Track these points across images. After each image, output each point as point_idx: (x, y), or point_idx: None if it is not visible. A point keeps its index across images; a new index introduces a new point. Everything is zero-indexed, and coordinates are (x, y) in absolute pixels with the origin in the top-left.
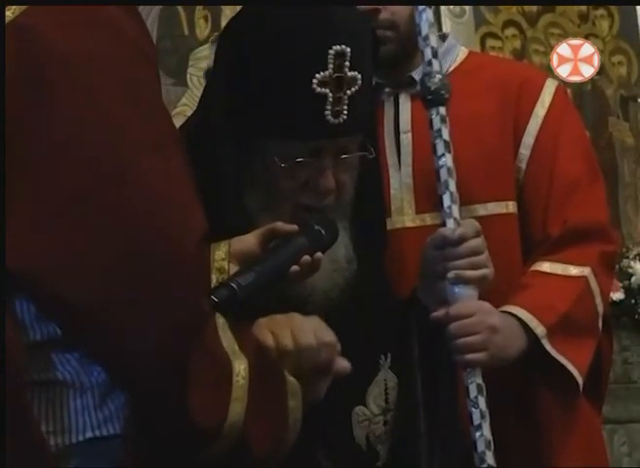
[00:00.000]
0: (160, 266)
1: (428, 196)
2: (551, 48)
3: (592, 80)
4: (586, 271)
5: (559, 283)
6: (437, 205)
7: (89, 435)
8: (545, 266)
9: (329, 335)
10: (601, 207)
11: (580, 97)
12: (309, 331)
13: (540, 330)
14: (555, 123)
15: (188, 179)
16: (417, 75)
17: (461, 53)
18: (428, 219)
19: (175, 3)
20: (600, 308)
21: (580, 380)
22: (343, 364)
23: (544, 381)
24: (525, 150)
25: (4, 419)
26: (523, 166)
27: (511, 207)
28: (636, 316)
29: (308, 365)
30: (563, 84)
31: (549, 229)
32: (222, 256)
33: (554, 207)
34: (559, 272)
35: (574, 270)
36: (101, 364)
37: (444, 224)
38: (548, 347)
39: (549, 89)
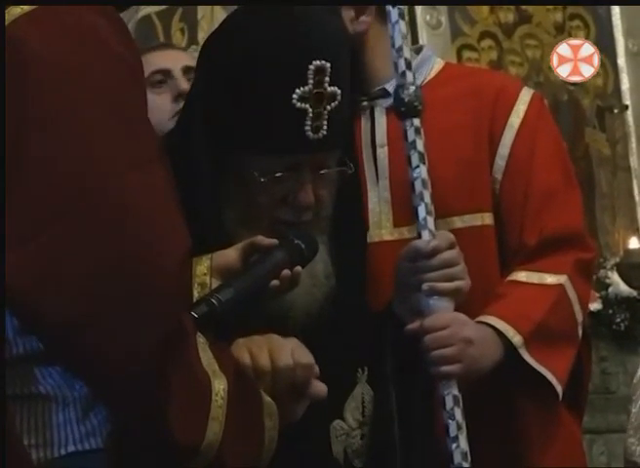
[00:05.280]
0: (141, 283)
1: (406, 209)
2: (527, 59)
3: (568, 90)
4: (563, 279)
5: (535, 292)
6: (412, 219)
7: (71, 449)
8: (522, 275)
9: (306, 357)
10: (577, 215)
11: (557, 107)
12: (287, 351)
13: (516, 339)
14: (530, 132)
15: (172, 195)
16: (390, 87)
17: (437, 64)
18: (406, 233)
19: (172, 3)
20: (579, 316)
21: (559, 389)
22: (320, 387)
23: (523, 391)
24: (501, 161)
25: (4, 421)
26: (499, 177)
27: (487, 218)
28: (614, 326)
29: (284, 385)
30: (545, 94)
31: (525, 239)
32: (204, 271)
33: (530, 216)
34: (535, 281)
35: (549, 278)
36: (81, 379)
37: (419, 236)
38: (526, 356)
39: (524, 98)
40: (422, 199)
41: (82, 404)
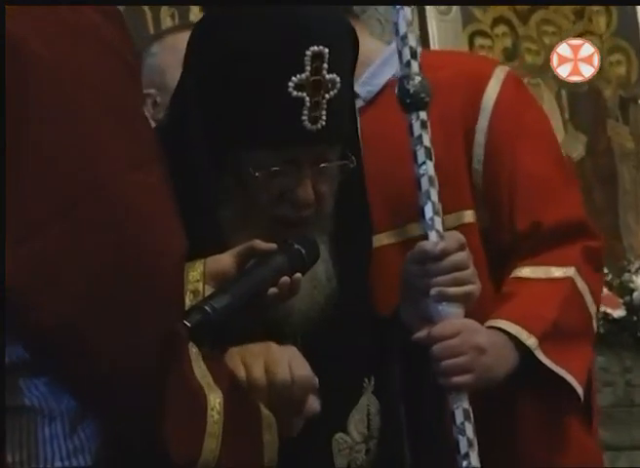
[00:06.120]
0: (138, 285)
1: (384, 214)
2: (544, 46)
3: (589, 80)
4: (571, 271)
5: (543, 287)
6: (393, 223)
7: (58, 465)
8: (526, 271)
9: (305, 370)
10: (574, 201)
11: (576, 98)
12: (284, 365)
13: (531, 341)
14: (507, 114)
15: (170, 196)
16: (358, 88)
17: None
18: (385, 239)
19: (174, 3)
20: (592, 308)
21: (580, 390)
22: (313, 404)
23: (538, 397)
24: (479, 149)
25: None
26: (479, 167)
27: (467, 217)
28: (638, 334)
29: (281, 401)
30: (564, 83)
31: (519, 230)
32: (197, 278)
33: (521, 206)
34: (541, 276)
35: (556, 272)
36: (72, 388)
37: (426, 237)
38: (542, 358)
39: (497, 78)
40: (429, 197)
41: (70, 417)
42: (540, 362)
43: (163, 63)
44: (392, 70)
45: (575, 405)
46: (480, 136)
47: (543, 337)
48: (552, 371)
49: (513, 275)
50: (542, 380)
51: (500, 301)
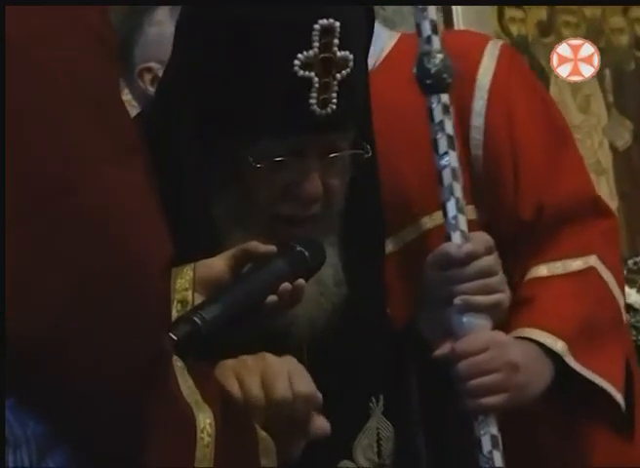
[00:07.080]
0: (121, 293)
1: None
2: (585, 19)
3: (636, 57)
4: (592, 260)
5: (564, 284)
6: (389, 229)
7: None
8: (542, 270)
9: (307, 385)
10: (582, 177)
11: (622, 78)
12: (284, 379)
13: (559, 346)
14: (504, 92)
15: (153, 194)
16: None
17: (390, 40)
18: None
19: (174, 3)
20: (621, 299)
21: (618, 397)
22: (322, 424)
23: (569, 406)
24: (477, 134)
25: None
26: (479, 152)
27: (467, 213)
28: None
29: (281, 420)
30: (608, 61)
31: (523, 219)
32: (186, 286)
33: (526, 194)
34: (559, 272)
35: (575, 263)
36: (43, 409)
37: (449, 238)
38: (573, 364)
39: (490, 54)
40: (452, 193)
41: (37, 444)
42: (572, 368)
43: (167, 34)
44: (374, 58)
45: (611, 411)
46: (478, 120)
47: (572, 341)
48: (585, 377)
49: (529, 277)
50: (573, 387)
51: (519, 307)
